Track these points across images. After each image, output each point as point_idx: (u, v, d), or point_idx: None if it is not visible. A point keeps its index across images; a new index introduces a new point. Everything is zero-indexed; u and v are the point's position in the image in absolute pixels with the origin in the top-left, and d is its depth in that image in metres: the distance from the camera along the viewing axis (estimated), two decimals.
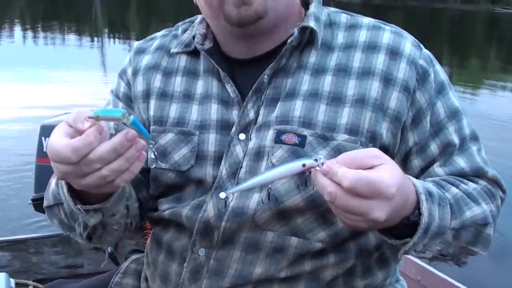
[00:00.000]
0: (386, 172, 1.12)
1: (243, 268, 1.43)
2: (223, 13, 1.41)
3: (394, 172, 1.14)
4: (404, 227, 1.23)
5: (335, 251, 1.45)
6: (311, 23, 1.45)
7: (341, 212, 1.14)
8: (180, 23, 1.67)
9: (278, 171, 1.18)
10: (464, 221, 1.34)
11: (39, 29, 28.15)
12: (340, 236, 1.42)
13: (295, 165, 1.15)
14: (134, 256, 1.82)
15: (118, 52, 21.03)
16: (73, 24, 31.20)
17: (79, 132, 1.14)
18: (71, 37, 24.91)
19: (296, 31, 1.44)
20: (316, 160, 1.13)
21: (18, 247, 3.46)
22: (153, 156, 1.41)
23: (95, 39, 25.31)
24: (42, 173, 3.50)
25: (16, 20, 31.86)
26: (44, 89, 12.27)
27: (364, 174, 1.10)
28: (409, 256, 2.99)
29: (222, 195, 1.43)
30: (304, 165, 1.14)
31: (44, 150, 3.48)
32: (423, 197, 1.23)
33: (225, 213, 1.42)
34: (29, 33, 26.25)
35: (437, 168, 1.45)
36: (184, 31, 1.62)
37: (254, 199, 1.40)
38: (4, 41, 22.87)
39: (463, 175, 1.45)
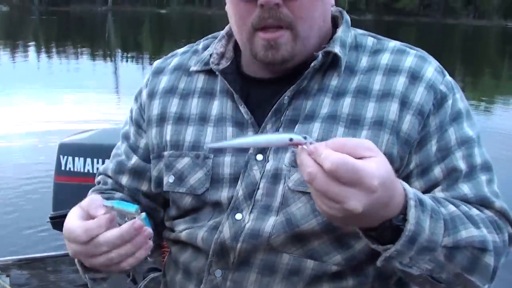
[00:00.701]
0: (373, 164, 1.08)
1: None
2: (251, 49, 1.43)
3: (382, 166, 1.10)
4: (390, 232, 1.18)
5: (353, 274, 1.42)
6: (336, 49, 1.45)
7: (318, 196, 1.09)
8: (203, 39, 1.67)
9: (265, 139, 1.19)
10: (459, 241, 1.26)
11: (53, 49, 28.42)
12: (357, 259, 1.40)
13: (283, 137, 1.12)
14: (151, 275, 1.83)
15: (131, 71, 21.23)
16: (86, 43, 31.47)
17: (92, 217, 1.24)
18: (85, 57, 25.15)
19: (320, 55, 1.43)
20: (305, 138, 1.10)
21: (36, 265, 3.48)
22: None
23: (108, 58, 25.52)
24: (61, 191, 3.53)
25: (30, 40, 32.17)
26: (59, 108, 12.38)
27: (349, 159, 1.05)
28: None
29: (238, 216, 1.42)
30: (291, 140, 1.11)
31: (62, 168, 3.51)
32: (412, 203, 1.18)
33: (241, 234, 1.41)
34: (43, 53, 26.52)
35: (438, 192, 1.40)
36: (205, 47, 1.62)
37: (270, 222, 1.39)
38: (19, 61, 23.09)
39: (466, 201, 1.38)
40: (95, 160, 3.48)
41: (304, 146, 1.09)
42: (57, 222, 3.49)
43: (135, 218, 1.22)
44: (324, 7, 1.45)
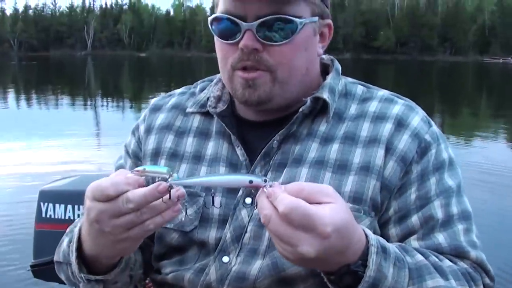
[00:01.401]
0: (328, 211, 1.09)
1: None
2: (231, 88, 1.46)
3: (339, 213, 1.10)
4: (351, 278, 1.19)
5: None
6: (325, 95, 1.47)
7: (274, 238, 1.12)
8: (199, 81, 1.69)
9: (226, 179, 1.20)
10: None
11: (33, 94, 28.36)
12: None
13: (243, 179, 1.15)
14: None
15: (111, 115, 21.18)
16: (66, 88, 31.45)
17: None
18: (65, 102, 25.08)
19: (309, 100, 1.45)
20: (265, 180, 1.13)
21: None
22: (184, 213, 1.45)
23: (88, 102, 25.47)
24: (41, 239, 3.48)
25: (9, 86, 32.09)
26: (39, 154, 12.28)
27: (302, 204, 1.07)
28: None
29: (225, 259, 1.42)
30: (251, 182, 1.14)
31: (43, 215, 3.47)
32: (373, 249, 1.18)
33: (227, 277, 1.41)
34: (23, 99, 26.44)
35: (413, 241, 1.40)
36: (202, 89, 1.64)
37: (256, 265, 1.40)
38: None
39: (440, 251, 1.38)
40: (76, 207, 3.44)
41: (264, 189, 1.12)
42: (38, 270, 3.45)
43: (167, 177, 1.19)
44: (308, 56, 1.46)
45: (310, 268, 1.27)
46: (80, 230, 1.36)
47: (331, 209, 1.10)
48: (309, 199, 1.10)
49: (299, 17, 1.38)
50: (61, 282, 3.33)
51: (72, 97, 26.83)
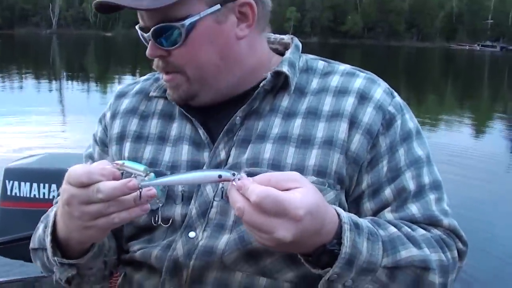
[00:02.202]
0: (298, 194, 1.12)
1: None
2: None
3: (308, 196, 1.13)
4: (327, 257, 1.22)
5: None
6: (284, 68, 1.48)
7: (249, 228, 1.15)
8: None
9: (195, 176, 1.22)
10: (398, 261, 1.28)
11: None
12: (309, 277, 1.38)
13: (212, 175, 1.18)
14: None
15: (76, 94, 21.03)
16: (31, 67, 31.09)
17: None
18: (29, 81, 24.82)
19: (269, 75, 1.47)
20: (233, 174, 1.15)
21: None
22: (162, 197, 1.47)
23: (53, 82, 25.22)
24: (6, 217, 3.47)
25: None
26: (3, 133, 12.17)
27: (272, 192, 1.11)
28: None
29: (192, 234, 1.43)
30: (220, 176, 1.16)
31: (8, 193, 3.45)
32: (346, 226, 1.21)
33: (194, 251, 1.42)
34: None
35: (387, 213, 1.41)
36: None
37: (223, 240, 1.41)
38: None
39: (414, 222, 1.40)
40: (41, 185, 3.44)
41: (233, 182, 1.14)
42: (3, 248, 3.43)
43: (143, 175, 1.22)
44: (218, 47, 1.45)
45: (288, 252, 1.29)
46: (55, 214, 1.38)
47: (301, 193, 1.13)
48: (277, 187, 1.12)
49: (187, 17, 1.38)
50: (26, 260, 3.29)
51: (37, 76, 26.53)
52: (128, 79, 25.04)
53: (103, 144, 1.64)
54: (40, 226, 1.54)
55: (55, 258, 1.39)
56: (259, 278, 1.40)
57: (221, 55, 1.45)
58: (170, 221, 1.47)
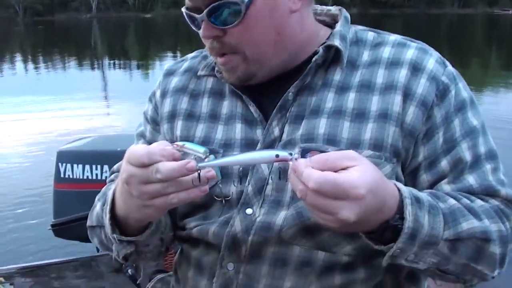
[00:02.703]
0: (356, 173, 1.11)
1: (272, 282, 1.44)
2: (220, 71, 1.52)
3: (367, 174, 1.13)
4: (390, 232, 1.23)
5: (364, 265, 1.44)
6: (336, 42, 1.47)
7: (312, 210, 1.16)
8: None
9: (253, 156, 1.23)
10: (460, 233, 1.28)
11: (40, 59, 28.33)
12: (367, 250, 1.38)
13: (269, 155, 1.19)
14: (158, 276, 1.84)
15: (119, 77, 21.17)
16: (73, 52, 31.36)
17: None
18: (72, 65, 25.07)
19: (321, 49, 1.45)
20: (290, 154, 1.15)
21: (40, 273, 3.49)
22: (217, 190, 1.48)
23: (95, 65, 25.44)
24: (61, 199, 3.54)
25: (16, 52, 32.05)
26: (49, 118, 12.36)
27: (330, 176, 1.10)
28: None
29: (249, 211, 1.44)
30: (277, 156, 1.17)
31: (62, 176, 3.53)
32: (407, 201, 1.21)
33: (252, 227, 1.43)
34: (30, 64, 26.43)
35: (444, 185, 1.40)
36: None
37: (281, 216, 1.41)
38: (7, 73, 23.02)
39: (471, 193, 1.39)
40: (93, 167, 3.50)
41: (290, 162, 1.15)
42: (59, 229, 3.52)
43: (202, 157, 1.24)
44: (274, 21, 1.44)
45: (351, 231, 1.29)
46: (114, 192, 1.41)
47: (359, 171, 1.12)
48: (335, 167, 1.12)
49: None
50: (82, 240, 3.37)
51: (79, 61, 26.78)
52: (169, 59, 25.14)
53: (154, 122, 1.65)
54: (98, 204, 1.57)
55: (114, 235, 1.42)
56: (317, 252, 1.41)
57: (277, 31, 1.44)
58: (228, 197, 1.47)
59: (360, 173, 1.12)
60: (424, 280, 1.58)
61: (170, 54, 28.46)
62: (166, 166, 1.20)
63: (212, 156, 1.25)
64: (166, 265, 3.34)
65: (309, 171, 1.11)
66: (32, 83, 19.23)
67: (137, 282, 3.42)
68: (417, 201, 1.23)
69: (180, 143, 1.29)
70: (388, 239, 1.23)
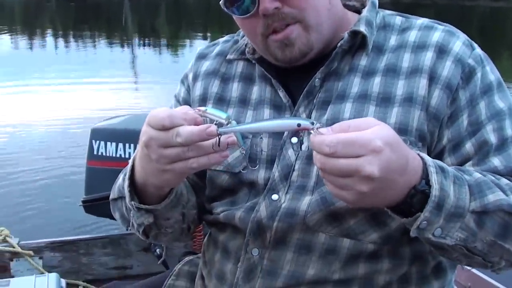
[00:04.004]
0: (370, 130, 1.11)
1: (296, 269, 1.45)
2: (270, 55, 1.48)
3: (383, 129, 1.13)
4: (418, 203, 1.20)
5: (389, 255, 1.44)
6: (362, 28, 1.47)
7: (334, 182, 1.14)
8: None
9: (274, 123, 1.23)
10: (486, 205, 1.26)
11: (71, 36, 28.45)
12: (393, 238, 1.41)
13: (291, 123, 1.19)
14: (187, 258, 1.85)
15: (149, 57, 21.22)
16: (103, 30, 31.46)
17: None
18: (102, 44, 25.16)
19: (346, 34, 1.46)
20: (312, 123, 1.15)
21: (68, 248, 3.53)
22: (244, 160, 1.50)
23: (126, 45, 25.50)
24: (93, 175, 3.58)
25: (48, 28, 32.21)
26: (80, 96, 12.45)
27: (342, 136, 1.10)
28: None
29: (275, 196, 1.45)
30: (299, 125, 1.17)
31: (95, 153, 3.55)
32: (432, 169, 1.20)
33: (277, 213, 1.44)
34: (61, 41, 26.56)
35: (469, 167, 1.40)
36: (243, 36, 1.66)
37: (305, 201, 1.42)
38: (37, 49, 23.18)
39: (496, 173, 1.38)
40: (127, 145, 3.52)
41: (312, 131, 1.14)
42: (89, 206, 3.55)
43: (224, 122, 1.24)
44: None
45: (378, 205, 1.25)
46: (134, 159, 1.41)
47: (374, 128, 1.12)
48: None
49: None
50: (112, 218, 3.41)
51: (109, 39, 26.86)
52: (198, 40, 25.15)
53: (187, 104, 1.66)
54: (120, 176, 1.59)
55: (132, 203, 1.42)
56: (342, 239, 1.41)
57: (332, 3, 1.47)
58: (255, 183, 1.49)
59: (374, 130, 1.11)
60: (451, 274, 1.56)
61: (200, 35, 28.49)
62: (186, 130, 1.20)
63: (234, 122, 1.25)
64: (195, 246, 3.36)
65: (320, 138, 1.11)
66: (61, 60, 19.33)
67: (165, 262, 3.45)
68: (442, 170, 1.22)
69: (202, 108, 1.28)
70: (415, 211, 1.21)
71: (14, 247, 3.38)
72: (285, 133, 1.48)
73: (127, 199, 1.43)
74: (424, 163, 1.21)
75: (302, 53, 1.44)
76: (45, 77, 14.24)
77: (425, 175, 1.20)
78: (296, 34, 1.42)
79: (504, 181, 1.35)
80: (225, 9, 1.45)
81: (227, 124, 1.24)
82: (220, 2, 1.44)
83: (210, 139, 1.22)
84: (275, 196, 1.45)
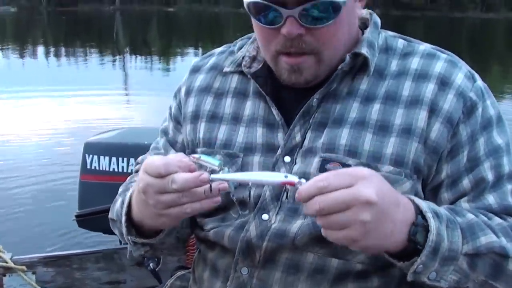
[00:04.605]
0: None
1: None
2: (275, 70, 1.47)
3: (365, 169, 1.18)
4: (420, 238, 1.22)
5: (378, 274, 1.44)
6: (364, 50, 1.45)
7: (336, 220, 1.14)
8: (239, 39, 1.69)
9: (262, 176, 1.27)
10: (479, 247, 1.28)
11: (62, 49, 28.48)
12: (381, 259, 1.37)
13: (277, 177, 1.23)
14: (179, 273, 1.86)
15: (140, 69, 21.25)
16: (95, 43, 31.50)
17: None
18: (93, 57, 25.18)
19: (348, 57, 1.44)
20: (299, 182, 1.19)
21: (62, 263, 3.50)
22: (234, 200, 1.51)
23: (117, 58, 25.53)
24: (86, 190, 3.58)
25: (39, 41, 32.24)
26: (70, 109, 12.44)
27: (329, 173, 1.15)
28: None
29: (265, 216, 1.45)
30: (286, 177, 1.21)
31: (88, 167, 3.55)
32: (429, 214, 1.22)
33: (267, 233, 1.43)
34: (52, 54, 26.59)
35: (464, 203, 1.41)
36: (240, 48, 1.64)
37: (297, 224, 1.42)
38: (28, 62, 23.17)
39: (490, 212, 1.39)
40: (120, 159, 3.52)
41: (298, 186, 1.18)
42: (83, 220, 3.55)
43: (217, 169, 1.30)
44: (349, 24, 1.44)
45: (378, 245, 1.23)
46: (131, 196, 1.45)
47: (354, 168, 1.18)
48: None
49: None
50: (105, 232, 3.40)
51: (100, 52, 26.88)
52: (190, 54, 25.18)
53: (176, 121, 1.67)
54: (118, 200, 1.60)
55: (129, 237, 1.49)
56: (331, 259, 1.41)
57: (349, 33, 1.45)
58: (246, 201, 1.49)
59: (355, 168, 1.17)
60: None
61: (191, 48, 28.53)
62: (181, 177, 1.26)
63: (226, 169, 1.31)
64: (188, 260, 3.36)
65: (313, 179, 1.15)
66: (52, 73, 19.33)
67: (158, 276, 3.44)
68: (436, 215, 1.24)
69: (196, 156, 1.34)
70: (410, 255, 1.24)
71: (7, 262, 3.36)
72: (278, 151, 1.47)
73: (124, 233, 1.49)
74: (417, 206, 1.24)
75: (307, 81, 1.43)
76: (37, 90, 14.21)
77: (419, 211, 1.23)
78: (308, 64, 1.40)
79: (496, 221, 1.36)
80: (248, 11, 1.42)
81: (219, 170, 1.30)
82: (244, 3, 1.41)
83: (203, 185, 1.26)
84: (265, 216, 1.45)
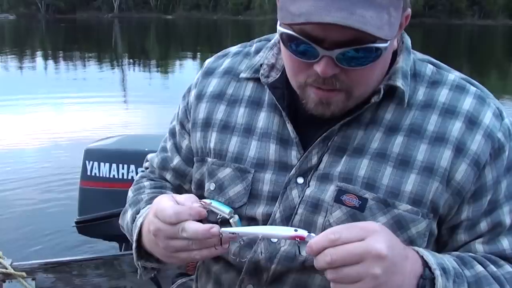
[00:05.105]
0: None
1: None
2: (301, 97, 1.36)
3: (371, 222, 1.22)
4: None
5: None
6: (399, 83, 1.36)
7: (348, 273, 1.15)
8: (256, 40, 1.60)
9: (272, 231, 1.30)
10: None
11: (61, 56, 28.50)
12: None
13: (288, 231, 1.24)
14: (180, 281, 1.87)
15: (139, 76, 21.28)
16: (93, 50, 31.52)
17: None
18: (92, 64, 25.21)
19: (382, 90, 1.36)
20: (308, 232, 1.21)
21: (62, 269, 3.50)
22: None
23: (115, 65, 25.55)
24: (86, 196, 3.58)
25: (38, 49, 32.26)
26: (69, 116, 12.46)
27: (337, 227, 1.17)
28: None
29: (274, 239, 1.42)
30: (296, 230, 1.22)
31: (88, 173, 3.56)
32: (438, 272, 1.21)
33: (276, 256, 1.41)
34: (51, 61, 26.60)
35: (478, 244, 1.37)
36: (257, 51, 1.55)
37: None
38: (27, 69, 23.18)
39: (503, 257, 1.36)
40: (120, 166, 3.53)
41: (307, 240, 1.19)
42: (83, 226, 3.54)
43: (227, 217, 1.33)
44: (386, 61, 1.36)
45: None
46: (141, 226, 1.45)
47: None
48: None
49: (385, 40, 1.22)
50: (105, 238, 3.41)
51: (99, 59, 26.91)
52: (188, 61, 25.19)
53: (181, 124, 1.62)
54: (128, 210, 1.60)
55: (139, 263, 1.50)
56: None
57: (383, 71, 1.36)
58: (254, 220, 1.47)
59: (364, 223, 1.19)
60: None
61: (189, 55, 28.55)
62: (192, 227, 1.27)
63: (236, 216, 1.34)
64: (188, 267, 3.36)
65: (324, 232, 1.17)
66: (51, 81, 19.35)
67: (158, 283, 3.45)
68: (444, 271, 1.24)
69: (208, 201, 1.36)
70: None
71: (6, 268, 3.36)
72: (292, 172, 1.41)
73: (135, 257, 1.50)
74: (426, 262, 1.24)
75: (334, 114, 1.34)
76: (36, 98, 14.24)
77: (425, 263, 1.23)
78: (337, 99, 1.31)
79: (506, 269, 1.35)
80: (280, 37, 1.32)
81: (230, 218, 1.33)
82: (277, 32, 1.31)
83: (211, 237, 1.28)
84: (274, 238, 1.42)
